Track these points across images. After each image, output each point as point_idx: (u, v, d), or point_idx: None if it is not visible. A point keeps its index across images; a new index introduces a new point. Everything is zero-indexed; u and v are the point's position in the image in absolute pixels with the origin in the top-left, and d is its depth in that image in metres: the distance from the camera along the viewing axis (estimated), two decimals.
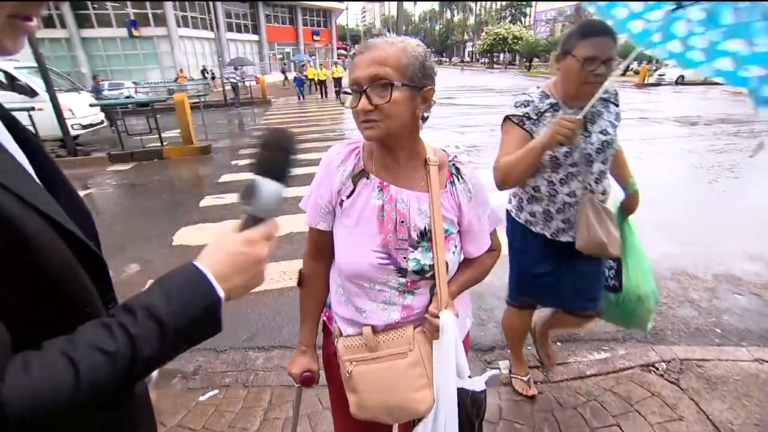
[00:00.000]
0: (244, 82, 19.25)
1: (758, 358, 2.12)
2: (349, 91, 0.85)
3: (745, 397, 1.88)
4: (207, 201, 5.12)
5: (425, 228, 0.92)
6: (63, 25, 21.65)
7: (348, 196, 0.93)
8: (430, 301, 0.96)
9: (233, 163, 7.16)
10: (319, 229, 0.99)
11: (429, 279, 0.94)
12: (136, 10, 22.97)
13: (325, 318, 1.12)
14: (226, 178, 6.18)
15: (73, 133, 7.91)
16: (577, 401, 1.94)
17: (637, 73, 28.22)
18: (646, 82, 24.16)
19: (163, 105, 11.74)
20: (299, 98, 18.34)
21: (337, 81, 18.74)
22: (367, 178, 0.93)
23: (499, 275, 3.24)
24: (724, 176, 5.65)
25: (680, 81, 24.54)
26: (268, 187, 0.60)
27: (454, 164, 0.97)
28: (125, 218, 4.70)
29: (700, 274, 3.12)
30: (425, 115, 0.89)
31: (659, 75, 25.19)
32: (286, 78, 29.08)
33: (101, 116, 9.27)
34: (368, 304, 0.96)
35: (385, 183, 0.93)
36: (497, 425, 1.83)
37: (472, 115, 12.03)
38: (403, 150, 0.91)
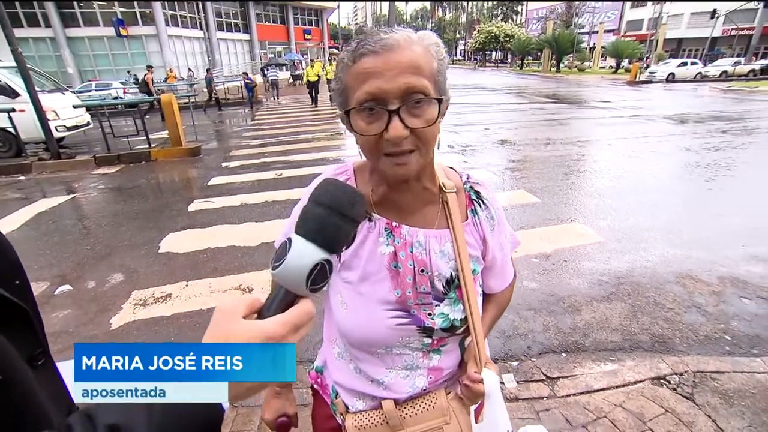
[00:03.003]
0: (278, 80, 19.84)
1: None
2: (360, 108, 0.60)
3: (764, 413, 1.78)
4: (196, 205, 4.95)
5: (452, 275, 0.73)
6: (48, 24, 21.20)
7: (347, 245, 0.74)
8: (462, 358, 0.79)
9: (224, 165, 7.00)
10: None
11: (460, 334, 0.76)
12: (123, 9, 22.56)
13: (315, 386, 0.90)
14: (216, 181, 6.01)
15: (57, 135, 7.68)
16: (587, 419, 1.83)
17: (628, 71, 28.41)
18: (637, 79, 24.31)
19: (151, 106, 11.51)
20: (250, 107, 16.21)
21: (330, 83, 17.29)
22: (370, 219, 0.73)
23: None
24: (722, 174, 5.60)
25: (671, 78, 24.77)
26: (306, 251, 0.45)
27: (471, 187, 0.78)
28: (111, 224, 4.52)
29: (704, 278, 3.05)
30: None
31: (650, 73, 25.40)
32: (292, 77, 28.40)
33: (87, 117, 9.03)
34: (385, 373, 0.75)
35: (394, 224, 0.73)
36: None
37: (464, 114, 11.95)
38: (418, 180, 0.71)
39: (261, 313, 0.44)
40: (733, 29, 32.54)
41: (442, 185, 0.74)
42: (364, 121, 0.61)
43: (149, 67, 14.59)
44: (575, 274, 3.15)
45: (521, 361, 2.29)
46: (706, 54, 32.59)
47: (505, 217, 0.84)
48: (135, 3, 22.56)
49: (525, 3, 66.28)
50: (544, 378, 2.14)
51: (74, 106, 8.36)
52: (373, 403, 0.77)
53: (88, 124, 9.06)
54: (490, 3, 75.06)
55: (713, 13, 28.63)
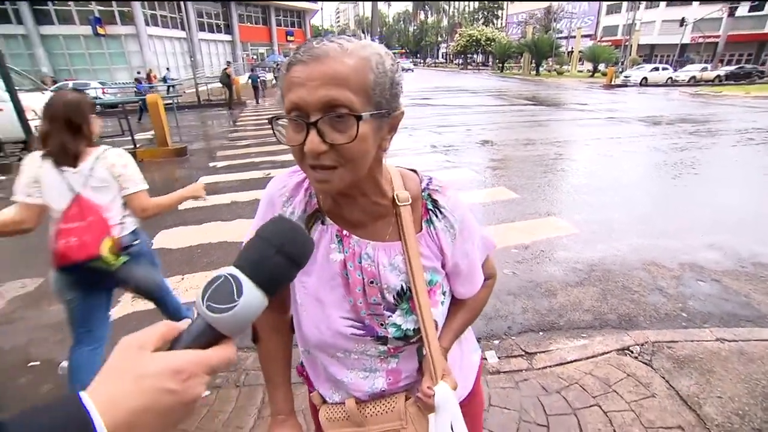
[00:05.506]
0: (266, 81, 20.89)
1: (719, 338, 2.30)
2: (283, 119, 0.58)
3: (708, 373, 2.04)
4: (185, 203, 5.00)
5: (402, 287, 0.71)
6: (20, 21, 20.56)
7: None
8: (419, 363, 0.79)
9: (210, 165, 7.05)
10: None
11: (415, 343, 0.76)
12: (100, 8, 22.07)
13: (301, 377, 0.92)
14: (204, 180, 6.07)
15: (37, 134, 7.56)
16: (560, 385, 2.05)
17: (605, 74, 29.40)
18: (613, 83, 25.21)
19: (133, 107, 11.38)
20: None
21: None
22: (323, 223, 0.72)
23: None
24: (686, 172, 6.01)
25: (644, 82, 25.78)
26: (251, 293, 0.41)
27: (428, 195, 0.74)
28: None
29: (667, 264, 3.34)
30: (388, 145, 0.65)
31: (625, 77, 26.36)
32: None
33: None
34: (346, 374, 0.78)
35: (344, 232, 0.71)
36: (486, 411, 1.92)
37: (447, 116, 12.25)
38: (364, 195, 0.68)
39: (172, 344, 0.39)
40: (700, 37, 34.13)
41: (395, 197, 0.71)
42: (290, 131, 0.58)
43: (228, 63, 16.22)
44: (551, 262, 3.39)
45: (502, 339, 2.50)
46: (676, 60, 34.06)
47: (475, 223, 0.80)
48: (113, 2, 22.12)
49: (505, 7, 67.75)
50: (522, 353, 2.35)
51: None
52: (344, 397, 0.80)
53: None
54: (472, 7, 76.40)
55: (682, 21, 29.98)
